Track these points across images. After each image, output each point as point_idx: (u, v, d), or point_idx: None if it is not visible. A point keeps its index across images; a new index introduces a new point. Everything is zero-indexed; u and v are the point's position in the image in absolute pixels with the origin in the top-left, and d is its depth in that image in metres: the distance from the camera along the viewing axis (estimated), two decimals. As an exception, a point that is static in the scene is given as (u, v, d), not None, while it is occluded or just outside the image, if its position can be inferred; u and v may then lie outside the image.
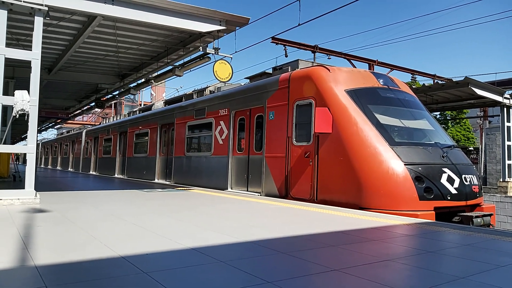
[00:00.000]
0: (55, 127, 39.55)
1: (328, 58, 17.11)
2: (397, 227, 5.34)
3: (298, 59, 10.21)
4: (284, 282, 2.78)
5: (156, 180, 15.52)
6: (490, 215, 7.71)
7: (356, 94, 8.34)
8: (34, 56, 7.08)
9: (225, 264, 3.21)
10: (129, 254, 3.43)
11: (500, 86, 19.40)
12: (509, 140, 16.98)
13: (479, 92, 14.67)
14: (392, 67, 18.73)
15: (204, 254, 3.51)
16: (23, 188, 7.05)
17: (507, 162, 16.92)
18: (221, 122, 11.64)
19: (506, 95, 16.25)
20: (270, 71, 11.21)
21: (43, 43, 7.44)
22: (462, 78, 14.26)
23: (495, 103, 16.71)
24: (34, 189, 7.11)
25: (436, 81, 20.19)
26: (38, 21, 7.18)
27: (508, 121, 16.85)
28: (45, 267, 2.99)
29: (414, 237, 4.75)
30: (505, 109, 16.67)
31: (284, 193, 8.98)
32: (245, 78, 12.25)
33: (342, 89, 8.36)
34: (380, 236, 4.69)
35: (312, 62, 10.68)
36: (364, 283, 2.82)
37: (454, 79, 16.03)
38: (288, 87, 9.29)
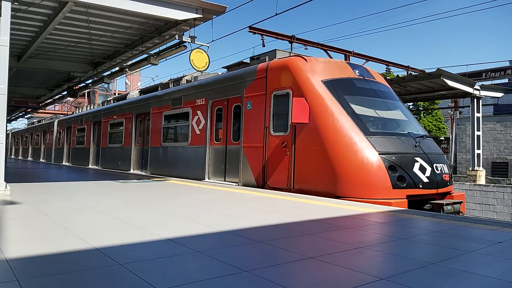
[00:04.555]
0: (26, 116, 38.29)
1: (305, 49, 17.21)
2: (371, 215, 5.47)
3: (275, 49, 10.20)
4: (260, 270, 2.81)
5: (131, 171, 15.30)
6: (460, 202, 7.98)
7: (332, 85, 8.41)
8: (2, 42, 6.84)
9: (202, 254, 3.22)
10: (104, 246, 3.38)
11: (470, 77, 20.01)
12: (478, 130, 17.56)
13: (451, 83, 15.09)
14: (368, 58, 18.99)
15: (181, 245, 3.51)
16: (-8, 179, 6.82)
17: (476, 151, 17.52)
18: (198, 112, 11.54)
19: (476, 87, 16.78)
20: (248, 60, 11.16)
21: (11, 29, 7.17)
22: (435, 70, 14.61)
23: (465, 94, 17.23)
24: (4, 181, 6.90)
25: (409, 72, 20.61)
26: (6, 6, 6.92)
27: (478, 111, 17.41)
28: (16, 260, 2.91)
29: (387, 224, 4.88)
30: (475, 100, 17.21)
31: (262, 183, 9.02)
32: (222, 67, 12.18)
33: (319, 79, 8.41)
34: (355, 224, 4.80)
35: (290, 52, 10.69)
36: (338, 270, 2.88)
37: (426, 71, 16.40)
38: (266, 77, 9.28)
